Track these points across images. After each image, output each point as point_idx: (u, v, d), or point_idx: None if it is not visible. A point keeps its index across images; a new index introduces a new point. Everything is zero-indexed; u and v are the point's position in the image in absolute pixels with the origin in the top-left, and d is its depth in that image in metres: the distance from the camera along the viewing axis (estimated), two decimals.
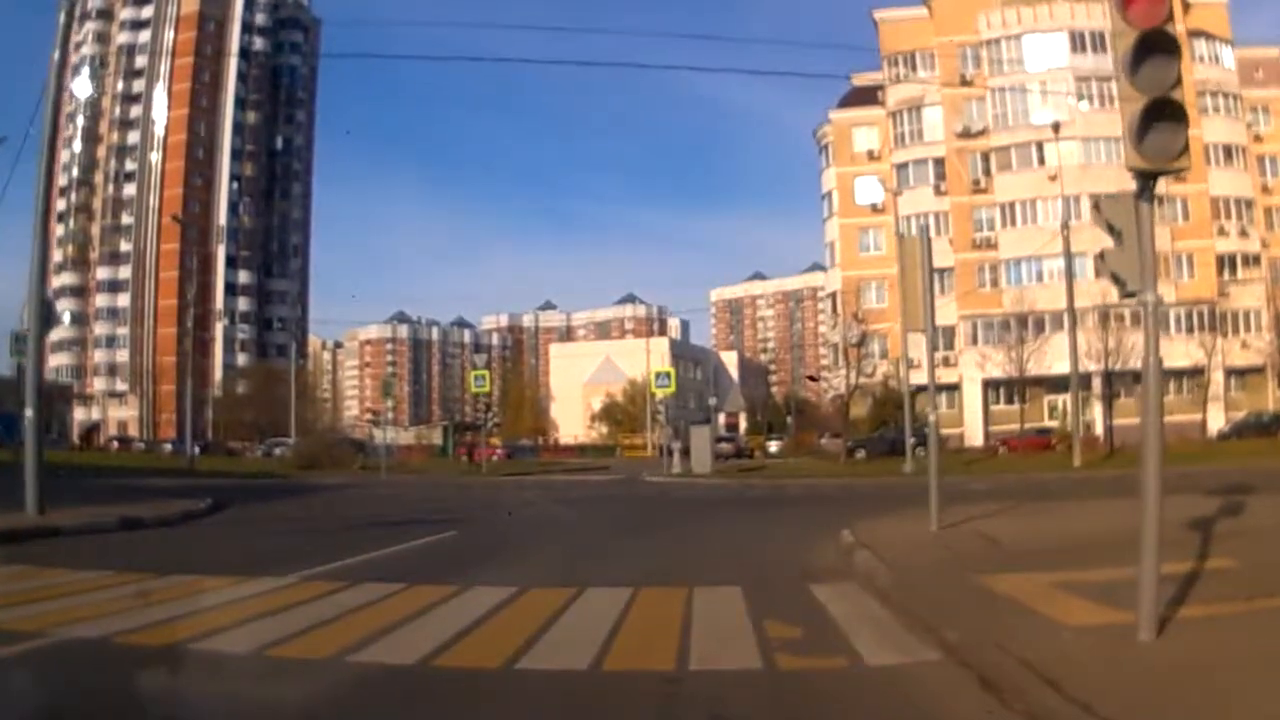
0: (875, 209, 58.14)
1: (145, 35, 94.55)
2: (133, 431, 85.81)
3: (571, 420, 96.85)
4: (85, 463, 40.96)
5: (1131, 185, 5.81)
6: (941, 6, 57.23)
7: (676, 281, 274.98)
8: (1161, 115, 5.46)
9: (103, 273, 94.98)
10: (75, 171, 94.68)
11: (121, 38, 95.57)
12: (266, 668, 5.82)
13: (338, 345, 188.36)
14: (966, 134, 56.92)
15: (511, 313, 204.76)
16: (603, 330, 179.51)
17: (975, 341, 54.98)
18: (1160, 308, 5.83)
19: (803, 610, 7.41)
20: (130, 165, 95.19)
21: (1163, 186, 5.75)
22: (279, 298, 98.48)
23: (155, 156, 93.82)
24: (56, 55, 16.24)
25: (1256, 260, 54.82)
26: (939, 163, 57.91)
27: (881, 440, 43.11)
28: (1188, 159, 5.59)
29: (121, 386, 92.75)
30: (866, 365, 41.91)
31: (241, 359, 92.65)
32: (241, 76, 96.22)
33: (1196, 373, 46.67)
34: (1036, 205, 54.78)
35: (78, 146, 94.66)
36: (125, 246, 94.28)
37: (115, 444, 76.68)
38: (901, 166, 58.95)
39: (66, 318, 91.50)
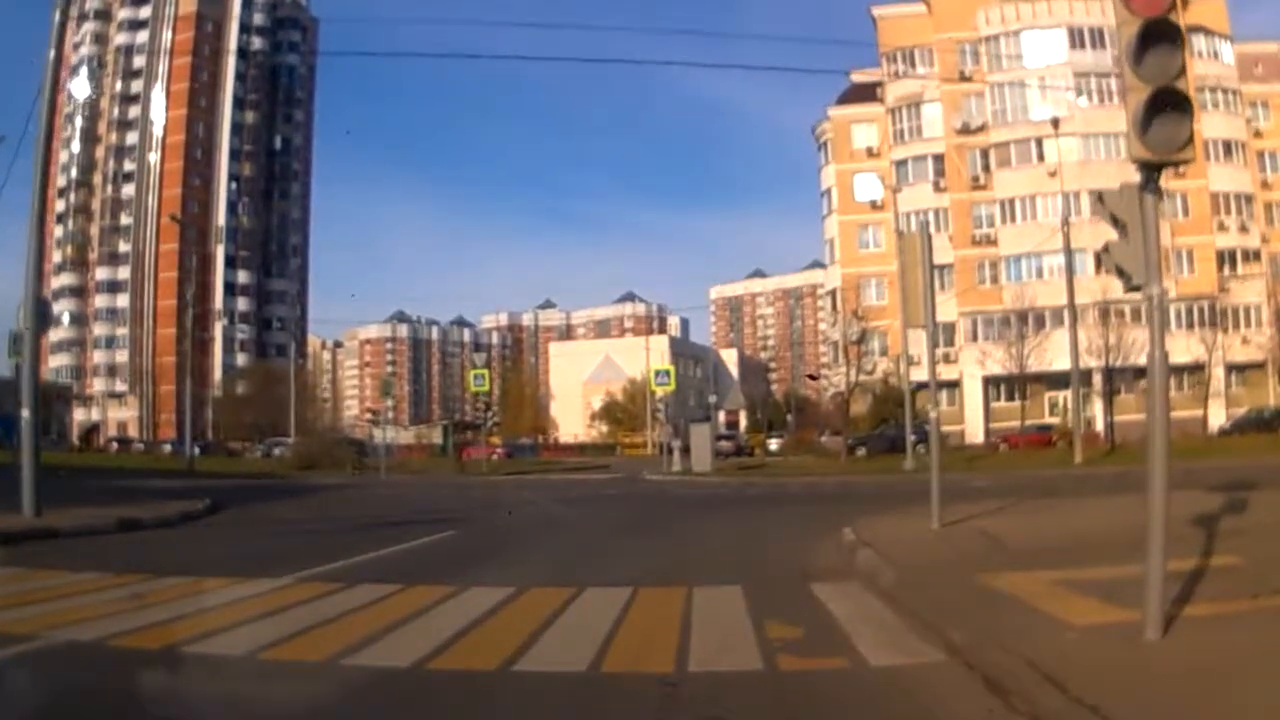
0: (875, 206, 58.08)
1: (143, 36, 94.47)
2: (132, 432, 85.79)
3: (571, 419, 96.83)
4: (84, 464, 40.89)
5: (1132, 179, 5.75)
6: (940, 3, 57.16)
7: (676, 279, 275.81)
8: (1166, 105, 5.38)
9: (102, 273, 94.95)
10: (74, 172, 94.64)
11: (119, 38, 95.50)
12: (261, 670, 5.77)
13: (337, 345, 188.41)
14: (966, 130, 56.87)
15: (511, 312, 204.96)
16: (602, 329, 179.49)
17: (975, 338, 54.92)
18: (1165, 301, 5.76)
19: (804, 610, 7.34)
20: (129, 166, 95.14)
21: (1162, 182, 5.67)
22: (278, 298, 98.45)
23: (154, 157, 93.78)
24: (52, 54, 16.20)
25: (1257, 255, 54.77)
26: (938, 159, 57.87)
27: (882, 438, 43.09)
28: (1192, 149, 5.51)
29: (121, 387, 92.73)
30: (867, 362, 41.87)
31: (241, 359, 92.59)
32: (240, 76, 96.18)
33: (1197, 369, 46.59)
34: (1036, 201, 54.73)
35: (76, 147, 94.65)
36: (124, 247, 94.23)
37: (115, 445, 76.67)
38: (901, 163, 58.90)
39: (65, 318, 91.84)
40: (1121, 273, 5.69)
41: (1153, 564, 5.40)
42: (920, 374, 32.34)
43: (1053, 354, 45.19)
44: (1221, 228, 54.46)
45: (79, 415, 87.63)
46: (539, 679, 5.51)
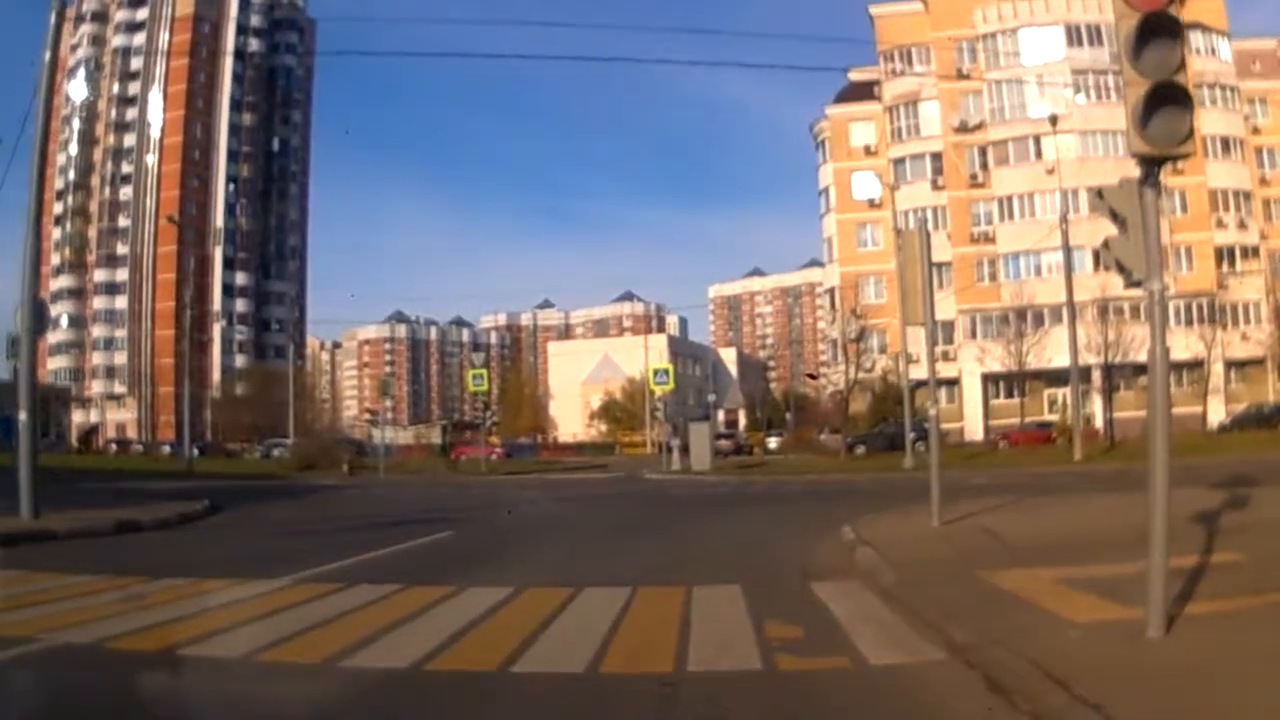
0: (873, 204, 58.00)
1: (140, 38, 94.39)
2: (131, 434, 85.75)
3: (570, 418, 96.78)
4: (83, 466, 40.82)
5: (1131, 176, 5.72)
6: (938, 1, 57.15)
7: (675, 279, 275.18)
8: (1165, 99, 5.36)
9: (100, 275, 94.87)
10: (72, 174, 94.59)
11: (116, 40, 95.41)
12: (259, 672, 5.75)
13: (336, 345, 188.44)
14: (964, 128, 56.87)
15: (510, 311, 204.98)
16: (601, 328, 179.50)
17: (974, 336, 54.90)
18: (1165, 297, 5.73)
19: (804, 609, 7.31)
20: (127, 168, 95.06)
21: (1161, 179, 5.65)
22: (277, 299, 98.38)
23: (151, 159, 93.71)
24: (48, 56, 16.16)
25: (1255, 252, 54.79)
26: (936, 157, 57.87)
27: (881, 435, 43.08)
28: (1192, 144, 5.49)
29: (120, 389, 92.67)
30: (865, 360, 41.83)
31: (240, 360, 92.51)
32: (237, 78, 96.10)
33: (1196, 365, 46.59)
34: (1034, 199, 54.73)
35: (74, 149, 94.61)
36: (122, 249, 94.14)
37: (113, 446, 76.66)
38: (899, 161, 58.90)
39: (64, 321, 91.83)
40: (1121, 268, 5.67)
41: (1155, 561, 5.37)
42: (919, 372, 32.31)
43: (1052, 351, 45.15)
44: (1220, 224, 54.48)
45: (78, 417, 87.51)
46: (537, 679, 5.47)
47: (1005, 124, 55.85)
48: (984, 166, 56.74)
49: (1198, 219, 53.28)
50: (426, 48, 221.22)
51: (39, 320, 16.24)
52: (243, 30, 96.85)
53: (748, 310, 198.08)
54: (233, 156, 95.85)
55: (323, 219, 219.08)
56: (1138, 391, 42.99)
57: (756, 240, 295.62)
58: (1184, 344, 43.69)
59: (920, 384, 32.46)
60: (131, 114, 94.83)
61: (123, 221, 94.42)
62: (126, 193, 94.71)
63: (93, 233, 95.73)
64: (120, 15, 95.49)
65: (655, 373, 41.34)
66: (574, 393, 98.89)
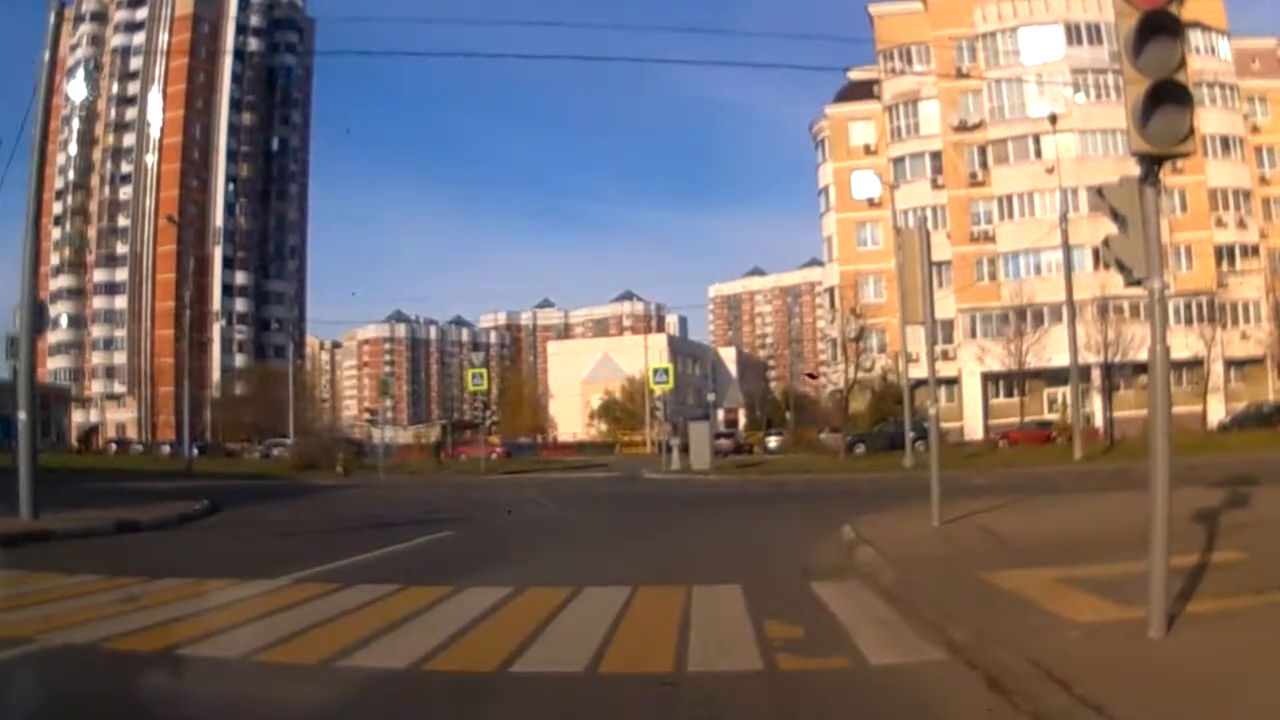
0: (872, 203, 57.99)
1: (139, 38, 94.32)
2: (131, 434, 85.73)
3: (570, 418, 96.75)
4: (83, 465, 40.77)
5: (1131, 174, 5.71)
6: (937, 1, 57.11)
7: (674, 278, 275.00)
8: (1165, 98, 5.34)
9: (100, 275, 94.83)
10: (71, 174, 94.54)
11: (116, 40, 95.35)
12: (257, 672, 5.74)
13: (336, 345, 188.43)
14: (963, 127, 56.85)
15: (509, 311, 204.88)
16: (601, 327, 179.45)
17: (974, 335, 54.89)
18: (1166, 295, 5.72)
19: (804, 609, 7.30)
20: (126, 168, 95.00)
21: (1161, 177, 5.63)
22: (276, 298, 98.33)
23: (151, 159, 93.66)
24: (47, 56, 16.14)
25: (1255, 251, 54.78)
26: (936, 156, 57.85)
27: (881, 435, 43.06)
28: (1192, 142, 5.47)
29: (120, 389, 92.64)
30: (865, 360, 41.79)
31: (239, 360, 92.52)
32: (236, 78, 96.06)
33: (1196, 364, 46.57)
34: (1034, 198, 54.73)
35: (73, 149, 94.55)
36: (122, 249, 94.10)
37: (113, 446, 76.61)
38: (898, 160, 58.88)
39: (63, 321, 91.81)
40: (1122, 267, 5.66)
41: (1156, 561, 5.36)
42: (919, 371, 32.31)
43: (1051, 350, 45.13)
44: (1220, 223, 54.47)
45: (78, 417, 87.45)
46: (537, 680, 5.46)
47: (1005, 123, 55.83)
48: (984, 165, 56.73)
49: (1197, 218, 53.26)
50: (426, 47, 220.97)
51: (39, 320, 16.23)
52: (242, 30, 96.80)
53: (747, 310, 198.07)
54: (232, 156, 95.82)
55: (323, 219, 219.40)
56: (1138, 391, 42.99)
57: (756, 240, 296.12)
58: (1184, 343, 43.65)
59: (920, 383, 32.46)
60: (131, 114, 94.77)
61: (122, 221, 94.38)
62: (126, 192, 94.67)
63: (92, 232, 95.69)
64: (119, 15, 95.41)
65: (655, 372, 41.33)
66: (574, 392, 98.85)
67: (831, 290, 62.27)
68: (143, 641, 6.41)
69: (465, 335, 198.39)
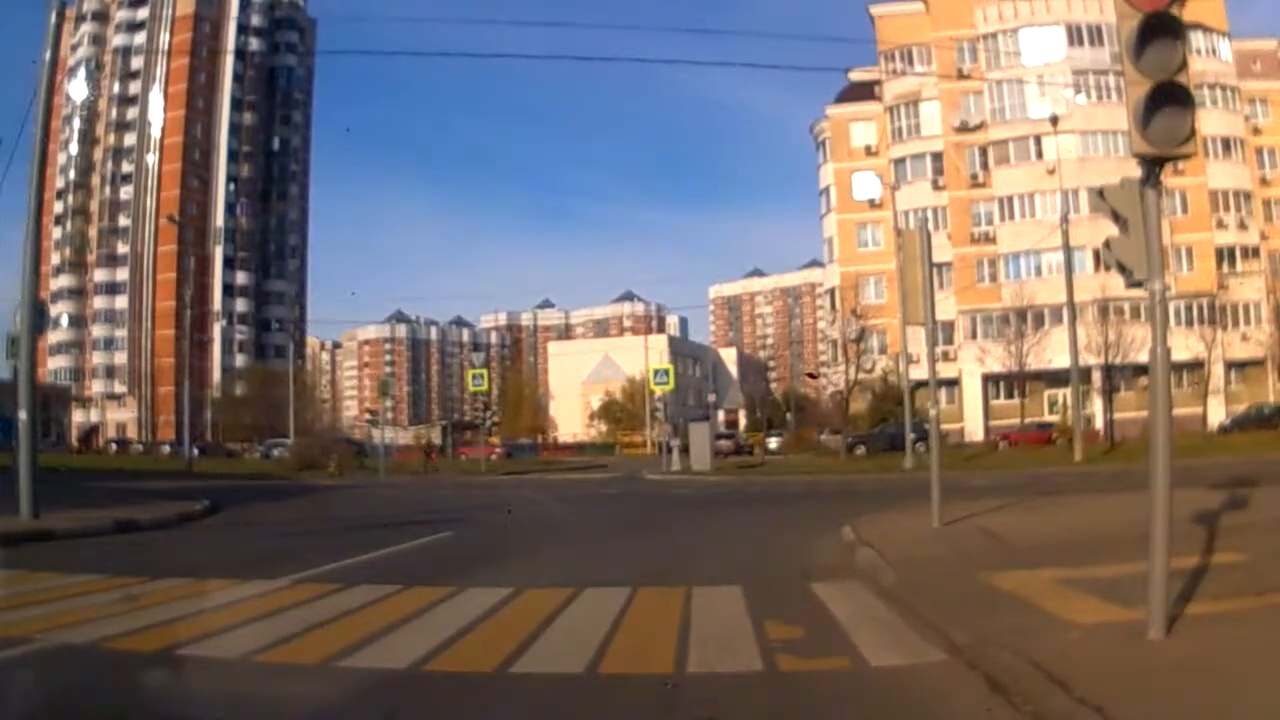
0: (873, 204, 57.99)
1: (140, 37, 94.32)
2: (131, 434, 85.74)
3: (570, 418, 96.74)
4: (83, 465, 40.81)
5: (1131, 175, 5.71)
6: (938, 1, 57.11)
7: (675, 279, 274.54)
8: (1167, 99, 5.34)
9: (100, 275, 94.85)
10: (72, 174, 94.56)
11: (117, 40, 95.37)
12: (257, 673, 5.74)
13: (336, 346, 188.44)
14: (964, 128, 56.83)
15: (510, 311, 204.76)
16: (601, 328, 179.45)
17: (975, 336, 54.86)
18: (1167, 297, 5.71)
19: (804, 610, 7.30)
20: (127, 167, 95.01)
21: (1162, 179, 5.63)
22: (277, 299, 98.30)
23: (152, 158, 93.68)
24: (48, 56, 16.16)
25: (1256, 253, 54.76)
26: (937, 157, 57.82)
27: (881, 436, 43.07)
28: (1193, 144, 5.47)
29: (120, 389, 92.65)
30: (866, 361, 41.77)
31: (240, 360, 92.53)
32: (237, 78, 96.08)
33: (1197, 366, 46.57)
34: (1035, 199, 54.72)
35: (74, 149, 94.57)
36: (123, 249, 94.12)
37: (113, 446, 76.67)
38: (899, 161, 58.86)
39: (64, 320, 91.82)
40: (1123, 268, 5.66)
41: (1156, 562, 5.36)
42: (919, 372, 32.30)
43: (1052, 351, 45.14)
44: (1220, 225, 54.45)
45: (78, 417, 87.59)
46: (536, 680, 5.46)
47: (1006, 124, 55.81)
48: (984, 166, 56.70)
49: (1198, 219, 53.24)
50: (427, 47, 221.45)
51: (39, 320, 16.24)
52: (243, 30, 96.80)
53: (748, 310, 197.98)
54: (233, 156, 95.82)
55: (323, 219, 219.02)
56: (1138, 392, 42.95)
57: (757, 240, 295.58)
58: (1184, 344, 43.67)
59: (920, 384, 32.47)
60: (132, 113, 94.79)
61: (123, 221, 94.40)
62: (127, 192, 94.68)
63: (93, 232, 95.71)
64: (120, 15, 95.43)
65: (655, 373, 41.35)
66: (574, 393, 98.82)
67: (832, 291, 62.23)
68: (143, 641, 6.41)
69: (466, 336, 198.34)
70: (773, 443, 61.30)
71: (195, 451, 47.42)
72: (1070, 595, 6.79)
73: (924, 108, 58.55)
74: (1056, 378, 47.65)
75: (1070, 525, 11.30)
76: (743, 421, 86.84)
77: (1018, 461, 32.58)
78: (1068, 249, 34.02)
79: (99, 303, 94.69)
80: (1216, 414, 48.36)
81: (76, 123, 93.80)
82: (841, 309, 51.62)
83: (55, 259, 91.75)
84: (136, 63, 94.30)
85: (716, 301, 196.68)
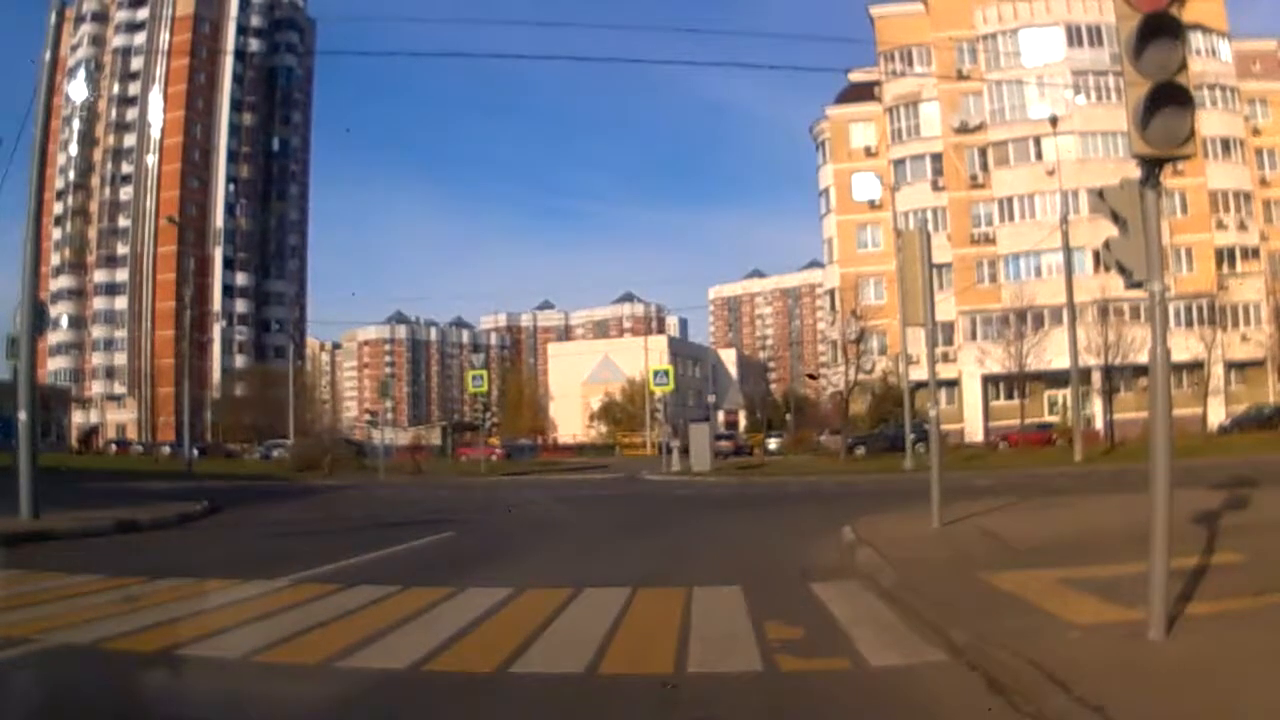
0: (873, 205, 58.07)
1: (140, 38, 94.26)
2: (131, 434, 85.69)
3: (570, 419, 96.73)
4: (83, 466, 40.82)
5: (1131, 176, 5.71)
6: (938, 2, 57.09)
7: (674, 280, 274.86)
8: (1166, 100, 5.35)
9: (100, 276, 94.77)
10: (72, 175, 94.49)
11: (117, 40, 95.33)
12: (256, 673, 5.74)
13: (336, 346, 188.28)
14: (964, 129, 56.81)
15: (510, 312, 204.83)
16: (601, 329, 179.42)
17: (974, 337, 54.84)
18: (1167, 297, 5.72)
19: (804, 610, 7.30)
20: (127, 168, 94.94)
21: (1161, 179, 5.64)
22: (277, 299, 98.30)
23: (151, 159, 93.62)
24: (48, 56, 16.16)
25: (1255, 253, 54.74)
26: (936, 158, 57.79)
27: (881, 437, 43.10)
28: (1193, 144, 5.47)
29: (120, 389, 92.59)
30: (865, 361, 41.77)
31: (239, 361, 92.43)
32: (237, 78, 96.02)
33: (1196, 366, 46.56)
34: (1035, 200, 54.71)
35: (74, 150, 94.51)
36: (122, 249, 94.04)
37: (113, 447, 76.59)
38: (899, 162, 58.85)
39: (64, 321, 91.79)
40: (1122, 269, 5.66)
41: (1156, 562, 5.36)
42: (919, 373, 32.26)
43: (1052, 352, 45.12)
44: (1220, 225, 54.43)
45: (78, 418, 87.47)
46: (536, 680, 5.46)
47: (1005, 125, 55.80)
48: (984, 167, 56.67)
49: (1198, 220, 53.24)
50: (427, 48, 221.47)
51: (39, 320, 16.25)
52: (243, 30, 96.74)
53: (748, 311, 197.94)
54: (233, 157, 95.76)
55: (323, 219, 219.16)
56: (1138, 393, 42.97)
57: (757, 241, 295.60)
58: (1184, 345, 43.65)
59: (920, 385, 32.41)
60: (132, 114, 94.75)
61: (123, 222, 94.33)
62: (126, 193, 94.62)
63: (93, 233, 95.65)
64: (120, 15, 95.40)
65: (655, 374, 41.38)
66: (574, 394, 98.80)
67: (832, 292, 62.22)
68: (143, 642, 6.41)
69: (465, 336, 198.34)
70: (772, 443, 61.33)
71: (195, 452, 47.37)
72: (1070, 595, 6.79)
73: (924, 108, 58.53)
74: (1056, 378, 47.66)
75: (1070, 525, 11.30)
76: (742, 422, 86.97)
77: (1018, 462, 32.60)
78: (1067, 250, 34.04)
79: (99, 303, 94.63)
80: (1216, 414, 48.34)
81: (76, 123, 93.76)
82: (841, 310, 51.64)
83: (55, 260, 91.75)
84: (136, 63, 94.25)
85: (716, 302, 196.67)
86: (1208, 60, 53.20)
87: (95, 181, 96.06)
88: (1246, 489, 12.19)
